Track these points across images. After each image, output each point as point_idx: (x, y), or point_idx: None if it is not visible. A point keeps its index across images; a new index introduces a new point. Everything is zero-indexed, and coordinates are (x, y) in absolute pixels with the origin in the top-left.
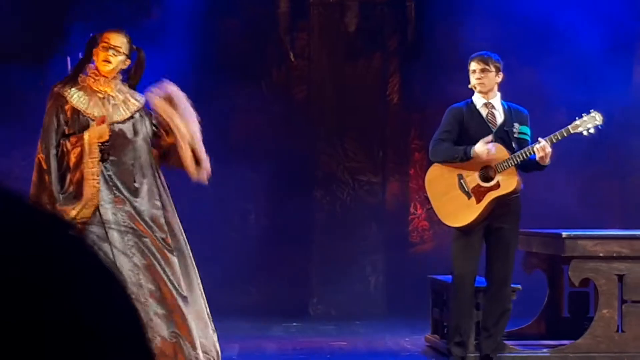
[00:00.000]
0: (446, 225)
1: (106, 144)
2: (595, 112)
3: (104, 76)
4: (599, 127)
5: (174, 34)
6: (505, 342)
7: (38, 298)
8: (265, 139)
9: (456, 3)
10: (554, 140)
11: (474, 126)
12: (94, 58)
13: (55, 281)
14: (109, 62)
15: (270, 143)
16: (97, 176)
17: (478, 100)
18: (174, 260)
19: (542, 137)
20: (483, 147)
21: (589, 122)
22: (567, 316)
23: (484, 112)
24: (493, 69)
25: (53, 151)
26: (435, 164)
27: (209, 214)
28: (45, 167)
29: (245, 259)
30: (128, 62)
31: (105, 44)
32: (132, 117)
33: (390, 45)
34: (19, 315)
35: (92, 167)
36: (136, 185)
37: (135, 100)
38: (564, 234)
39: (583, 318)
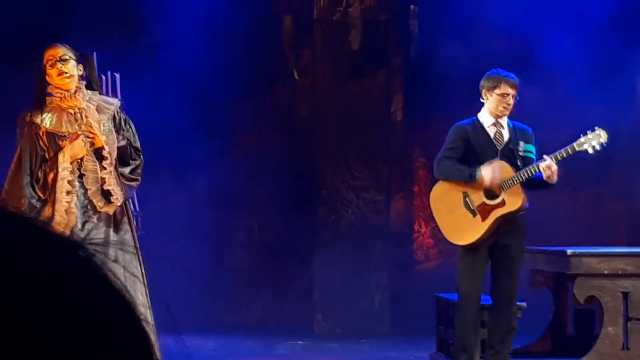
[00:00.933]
0: (451, 243)
1: (84, 159)
2: (600, 130)
3: (68, 91)
4: (604, 144)
5: (177, 51)
6: (511, 359)
7: (43, 321)
8: (269, 156)
9: (459, 21)
10: (559, 158)
11: (479, 144)
12: (49, 80)
13: (62, 303)
14: (64, 72)
15: (274, 160)
16: (69, 195)
17: (486, 119)
18: None
19: (547, 155)
20: (488, 174)
21: (593, 140)
22: (573, 334)
23: (492, 130)
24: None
25: (27, 179)
26: (440, 181)
27: (213, 231)
28: (21, 194)
29: (250, 276)
30: (81, 67)
31: (51, 61)
32: (104, 123)
33: (393, 63)
34: (23, 338)
35: (63, 188)
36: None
37: (110, 105)
38: (569, 251)
39: (588, 336)
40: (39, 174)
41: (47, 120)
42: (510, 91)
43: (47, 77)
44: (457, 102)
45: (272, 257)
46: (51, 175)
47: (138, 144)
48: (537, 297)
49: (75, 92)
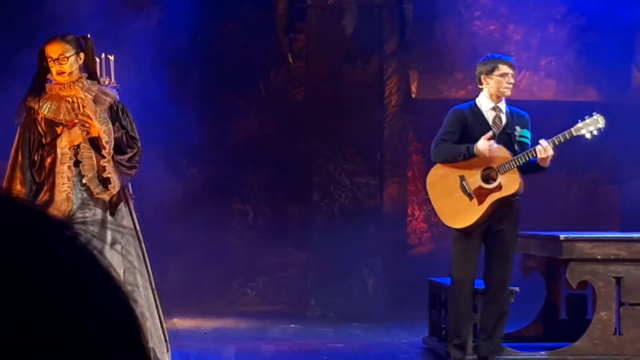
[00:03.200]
0: (445, 227)
1: (80, 146)
2: (598, 115)
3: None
4: (602, 129)
5: (172, 36)
6: (503, 344)
7: (28, 300)
8: (263, 141)
9: (454, 5)
10: (557, 143)
11: (477, 128)
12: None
13: (47, 281)
14: (63, 72)
15: (268, 145)
16: (69, 181)
17: (485, 103)
18: None
19: (544, 140)
20: (485, 144)
21: (591, 125)
22: (565, 319)
23: (490, 115)
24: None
25: (26, 162)
26: (437, 165)
27: (207, 216)
28: (20, 177)
29: (243, 261)
30: (82, 55)
31: (50, 59)
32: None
33: (388, 48)
34: (8, 319)
35: (63, 173)
36: None
37: (107, 97)
38: (562, 236)
39: (581, 321)
40: (35, 157)
41: (45, 107)
42: (509, 70)
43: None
44: (451, 87)
45: (265, 242)
46: (49, 160)
47: (135, 133)
48: (529, 282)
49: (75, 82)
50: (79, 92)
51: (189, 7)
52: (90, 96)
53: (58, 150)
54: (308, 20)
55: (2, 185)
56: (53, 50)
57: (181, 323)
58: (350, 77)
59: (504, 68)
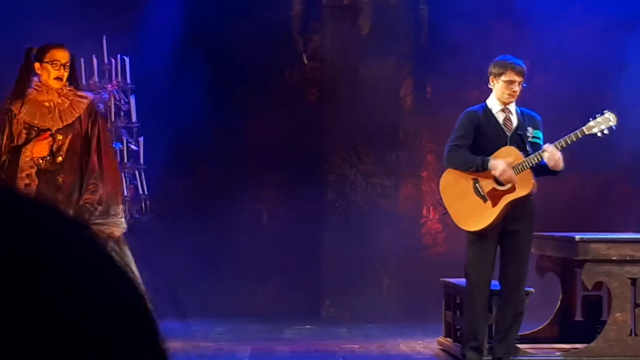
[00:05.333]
0: (461, 229)
1: (46, 157)
2: (610, 113)
3: (48, 87)
4: (613, 127)
5: (185, 35)
6: (518, 345)
7: (44, 301)
8: (278, 141)
9: (470, 6)
10: (569, 142)
11: (489, 130)
12: (39, 72)
13: (66, 282)
14: (61, 78)
15: (283, 145)
16: (27, 189)
17: (494, 104)
18: None
19: (548, 144)
20: (503, 165)
21: (603, 123)
22: (580, 320)
23: (500, 116)
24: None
25: None
26: (449, 169)
27: (221, 216)
28: None
29: (258, 262)
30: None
31: (55, 63)
32: (79, 117)
33: (403, 48)
34: (25, 323)
35: (22, 182)
36: None
37: (82, 99)
38: (577, 237)
39: (596, 322)
40: (4, 158)
41: (24, 110)
42: (516, 78)
43: (37, 69)
44: (466, 87)
45: (280, 242)
46: (13, 165)
47: (103, 145)
48: (544, 283)
49: (55, 88)
50: (57, 97)
51: (204, 7)
52: (67, 101)
53: (22, 156)
54: (323, 20)
55: None
56: (63, 55)
57: (195, 323)
58: (366, 77)
59: (511, 75)
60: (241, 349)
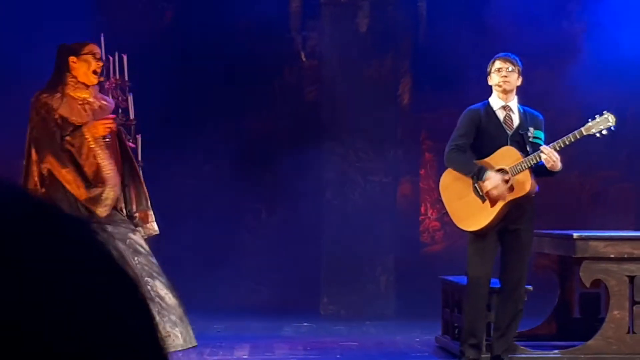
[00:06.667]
0: (460, 229)
1: (106, 139)
2: (608, 114)
3: (82, 83)
4: (612, 128)
5: (185, 33)
6: (517, 343)
7: (45, 299)
8: (277, 139)
9: (468, 3)
10: (567, 143)
11: (490, 129)
12: (75, 66)
13: (64, 281)
14: (97, 72)
15: (282, 142)
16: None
17: (496, 102)
18: None
19: (545, 145)
20: (497, 179)
21: (601, 124)
22: (578, 317)
23: (501, 114)
24: (516, 70)
25: (62, 153)
26: (449, 169)
27: (220, 213)
28: (61, 167)
29: (256, 259)
30: None
31: (96, 56)
32: None
33: (401, 46)
34: (24, 321)
35: (104, 158)
36: None
37: (107, 103)
38: (575, 234)
39: (594, 319)
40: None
41: (61, 105)
42: (502, 64)
43: (72, 64)
44: (464, 85)
45: (278, 239)
46: (82, 149)
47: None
48: (542, 281)
49: (89, 87)
50: (90, 95)
51: (202, 4)
52: (97, 103)
53: (90, 140)
54: (321, 17)
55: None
56: (98, 49)
57: (194, 320)
58: (364, 74)
59: (497, 63)
60: (240, 346)
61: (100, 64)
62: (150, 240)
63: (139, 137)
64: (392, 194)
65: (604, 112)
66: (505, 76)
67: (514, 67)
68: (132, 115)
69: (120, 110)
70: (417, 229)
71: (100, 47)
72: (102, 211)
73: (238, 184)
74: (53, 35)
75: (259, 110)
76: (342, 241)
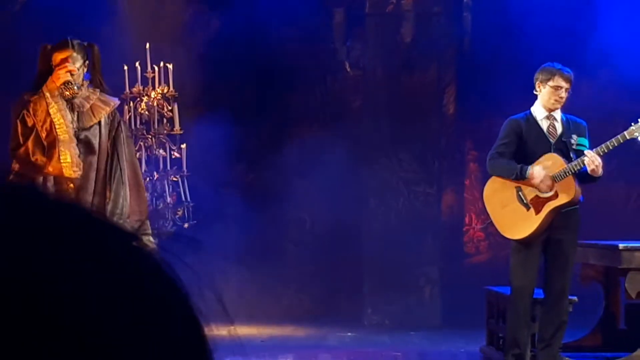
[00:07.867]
0: (504, 238)
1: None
2: None
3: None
4: None
5: (229, 43)
6: (562, 354)
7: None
8: (320, 148)
9: (513, 13)
10: (610, 147)
11: (533, 138)
12: (53, 76)
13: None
14: (59, 77)
15: (325, 152)
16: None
17: (539, 112)
18: None
19: (589, 150)
20: (541, 173)
21: None
22: (624, 328)
23: (545, 124)
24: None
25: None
26: (493, 177)
27: (264, 223)
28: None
29: (301, 268)
30: (86, 63)
31: (58, 64)
32: (99, 122)
33: (446, 56)
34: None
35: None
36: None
37: (106, 105)
38: (621, 245)
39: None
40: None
41: (50, 104)
42: (564, 84)
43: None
44: (509, 95)
45: (322, 249)
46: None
47: (124, 155)
48: (588, 292)
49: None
50: (78, 97)
51: (247, 14)
52: (87, 104)
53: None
54: (366, 28)
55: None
56: (60, 55)
57: (239, 330)
58: (408, 85)
59: (559, 80)
60: (284, 356)
61: (66, 70)
62: (195, 249)
63: (184, 146)
64: (436, 205)
65: None
66: (562, 97)
67: (570, 87)
68: (177, 125)
69: (165, 121)
70: (461, 239)
71: (145, 57)
72: (71, 173)
73: (281, 194)
74: (102, 48)
75: (303, 118)
76: (386, 251)
